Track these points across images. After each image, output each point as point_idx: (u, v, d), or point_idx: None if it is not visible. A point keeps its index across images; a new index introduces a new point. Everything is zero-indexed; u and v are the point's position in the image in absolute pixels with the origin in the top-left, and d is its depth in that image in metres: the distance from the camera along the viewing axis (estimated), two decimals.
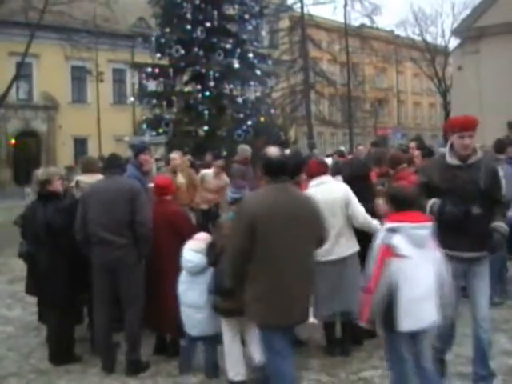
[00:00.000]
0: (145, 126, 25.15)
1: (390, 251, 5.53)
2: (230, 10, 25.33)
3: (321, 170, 8.10)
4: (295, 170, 8.52)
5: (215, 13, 24.35)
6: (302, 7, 47.26)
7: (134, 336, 7.63)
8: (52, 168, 8.35)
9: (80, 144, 49.62)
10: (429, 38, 65.02)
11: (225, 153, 20.06)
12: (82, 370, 7.89)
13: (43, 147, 48.33)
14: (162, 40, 24.91)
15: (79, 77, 50.05)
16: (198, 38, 23.99)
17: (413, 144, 12.59)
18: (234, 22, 25.71)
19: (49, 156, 47.33)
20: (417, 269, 5.58)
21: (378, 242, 5.67)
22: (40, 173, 8.16)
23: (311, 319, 8.19)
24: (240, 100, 24.87)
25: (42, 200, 7.98)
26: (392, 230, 5.61)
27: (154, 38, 25.21)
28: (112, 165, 8.03)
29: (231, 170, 13.14)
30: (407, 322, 5.55)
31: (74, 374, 7.76)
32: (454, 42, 52.30)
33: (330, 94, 56.24)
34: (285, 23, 51.86)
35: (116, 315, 7.91)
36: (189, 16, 24.15)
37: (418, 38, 65.23)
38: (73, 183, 9.21)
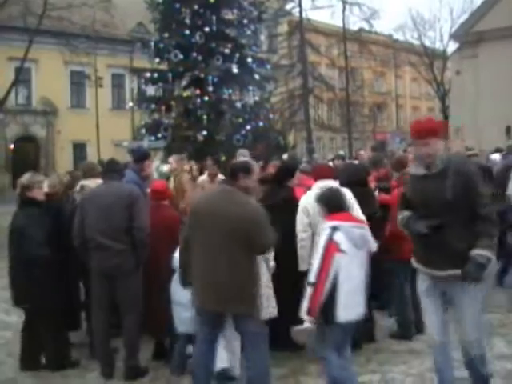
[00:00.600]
0: (144, 130, 25.18)
1: (334, 247, 6.04)
2: (229, 15, 25.34)
3: (326, 174, 8.19)
4: (288, 174, 8.69)
5: (214, 18, 24.40)
6: (300, 12, 47.26)
7: (133, 341, 7.63)
8: (37, 175, 8.29)
9: (79, 149, 49.58)
10: (427, 43, 65.03)
11: (223, 158, 20.11)
12: (81, 375, 7.91)
13: (42, 152, 48.28)
14: (161, 45, 24.95)
15: (78, 82, 49.98)
16: (197, 42, 24.04)
17: (410, 148, 12.57)
18: (232, 27, 25.72)
19: (48, 161, 47.32)
20: (352, 264, 6.12)
21: (323, 239, 6.14)
22: (23, 178, 8.15)
23: (307, 324, 8.21)
24: (239, 105, 24.90)
25: (22, 206, 8.00)
26: (334, 228, 6.13)
27: (152, 43, 25.26)
28: (111, 170, 8.03)
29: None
30: (344, 313, 6.07)
31: (72, 380, 7.78)
32: (452, 47, 52.28)
33: (329, 98, 56.26)
34: (283, 28, 51.92)
35: (114, 320, 7.92)
36: (187, 21, 24.21)
37: (416, 43, 65.23)
38: (77, 188, 9.22)
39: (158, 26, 26.21)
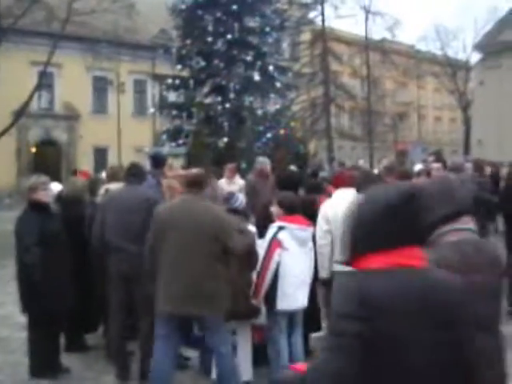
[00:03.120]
0: (165, 136, 25.28)
1: (277, 243, 6.89)
2: (251, 23, 25.40)
3: (347, 182, 8.15)
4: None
5: (236, 25, 24.48)
6: (323, 20, 47.38)
7: (148, 345, 7.60)
8: (43, 177, 8.28)
9: (100, 154, 49.72)
10: (450, 53, 64.82)
11: (244, 165, 20.13)
12: (96, 377, 7.97)
13: (63, 156, 48.53)
14: (183, 52, 25.06)
15: (100, 87, 50.26)
16: (219, 50, 24.13)
17: (431, 158, 12.57)
18: (254, 35, 25.75)
19: (69, 165, 47.46)
20: (294, 260, 6.98)
21: (269, 237, 6.99)
22: (29, 180, 8.20)
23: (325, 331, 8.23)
24: (260, 112, 24.93)
25: (26, 209, 8.00)
26: (280, 228, 6.97)
27: (175, 50, 25.35)
28: (131, 174, 8.06)
29: (246, 181, 13.42)
30: (284, 303, 6.96)
31: (88, 382, 7.82)
32: (475, 57, 52.06)
33: (351, 107, 56.16)
34: (306, 36, 51.80)
35: (130, 323, 7.93)
36: (210, 28, 24.29)
37: (439, 53, 65.03)
38: (101, 192, 9.30)
39: (180, 33, 26.33)
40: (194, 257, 6.43)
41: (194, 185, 6.76)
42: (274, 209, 7.35)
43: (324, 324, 8.25)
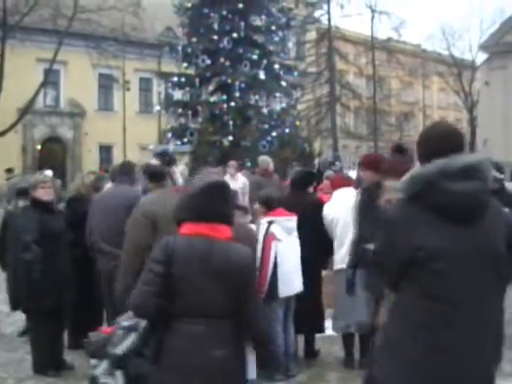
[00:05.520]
0: (170, 134, 25.30)
1: (271, 237, 7.36)
2: (257, 21, 25.38)
3: (343, 183, 8.46)
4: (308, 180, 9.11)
5: (242, 24, 24.47)
6: (329, 19, 47.26)
7: None
8: (44, 175, 8.25)
9: (105, 151, 49.74)
10: (456, 53, 64.68)
11: (248, 163, 20.16)
12: None
13: (69, 154, 48.52)
14: (189, 50, 25.07)
15: (106, 85, 50.21)
16: (225, 48, 24.14)
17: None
18: (260, 33, 25.77)
19: (74, 163, 47.54)
20: (286, 249, 7.46)
21: (262, 232, 7.43)
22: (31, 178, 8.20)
23: (329, 331, 8.22)
24: (265, 111, 24.93)
25: (27, 206, 8.01)
26: (270, 222, 7.44)
27: (180, 48, 25.36)
28: (122, 173, 8.03)
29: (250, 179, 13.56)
30: (284, 290, 7.35)
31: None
32: (481, 57, 51.95)
33: (356, 106, 56.06)
34: (312, 35, 51.75)
35: None
36: (216, 26, 24.31)
37: (444, 53, 64.91)
38: (105, 189, 9.30)
39: (186, 31, 26.35)
40: None
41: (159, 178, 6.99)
42: (257, 206, 7.91)
43: (327, 324, 8.22)
